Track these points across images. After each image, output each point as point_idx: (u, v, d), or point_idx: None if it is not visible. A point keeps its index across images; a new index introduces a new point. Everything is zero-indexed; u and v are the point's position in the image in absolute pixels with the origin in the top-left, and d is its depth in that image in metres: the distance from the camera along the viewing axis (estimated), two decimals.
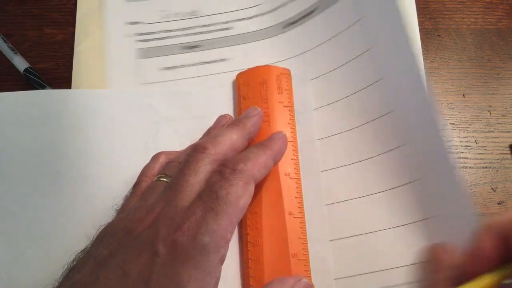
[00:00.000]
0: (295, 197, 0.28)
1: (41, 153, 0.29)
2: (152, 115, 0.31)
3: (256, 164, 0.24)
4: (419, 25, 0.36)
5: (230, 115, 0.30)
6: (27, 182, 0.29)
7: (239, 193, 0.23)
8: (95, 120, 0.31)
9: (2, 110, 0.30)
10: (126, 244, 0.22)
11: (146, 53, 0.34)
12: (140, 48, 0.34)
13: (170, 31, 0.35)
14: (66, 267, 0.23)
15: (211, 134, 0.27)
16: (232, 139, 0.26)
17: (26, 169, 0.29)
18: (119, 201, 0.27)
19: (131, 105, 0.31)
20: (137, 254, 0.21)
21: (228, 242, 0.23)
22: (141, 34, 0.35)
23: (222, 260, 0.22)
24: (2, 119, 0.30)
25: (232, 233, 0.23)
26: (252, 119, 0.28)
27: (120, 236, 0.22)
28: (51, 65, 0.34)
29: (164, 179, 0.25)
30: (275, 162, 0.27)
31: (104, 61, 0.34)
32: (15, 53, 0.34)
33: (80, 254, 0.24)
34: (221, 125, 0.29)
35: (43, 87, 0.32)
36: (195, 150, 0.25)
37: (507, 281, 0.18)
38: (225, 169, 0.23)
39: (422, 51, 0.35)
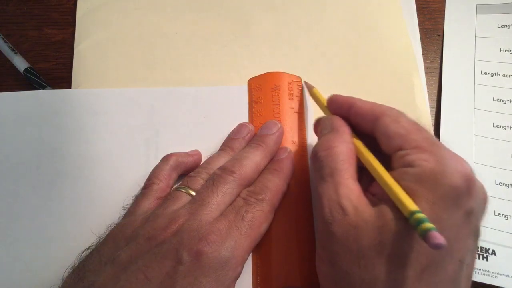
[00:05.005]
0: (305, 202, 0.28)
1: (41, 153, 0.29)
2: (152, 115, 0.31)
3: (276, 193, 0.26)
4: (419, 25, 0.36)
5: (251, 126, 0.30)
6: (28, 182, 0.29)
7: (262, 219, 0.25)
8: (95, 120, 0.31)
9: (2, 110, 0.30)
10: (147, 250, 0.22)
11: (487, 9, 0.35)
12: (481, 4, 0.35)
13: None
14: (72, 265, 0.23)
15: (236, 156, 0.27)
16: (256, 161, 0.27)
17: (27, 169, 0.29)
18: (128, 200, 0.27)
19: (131, 105, 0.31)
20: (159, 261, 0.21)
21: (244, 262, 0.24)
22: None
23: (237, 278, 0.23)
24: (2, 119, 0.30)
25: (248, 254, 0.24)
26: (273, 137, 0.28)
27: (140, 242, 0.23)
28: (51, 65, 0.34)
29: (184, 190, 0.26)
30: (287, 183, 0.28)
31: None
32: (15, 53, 0.34)
33: (86, 252, 0.24)
34: (242, 136, 0.29)
35: (43, 87, 0.32)
36: (224, 172, 0.26)
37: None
38: (249, 198, 0.25)
39: (422, 51, 0.35)
